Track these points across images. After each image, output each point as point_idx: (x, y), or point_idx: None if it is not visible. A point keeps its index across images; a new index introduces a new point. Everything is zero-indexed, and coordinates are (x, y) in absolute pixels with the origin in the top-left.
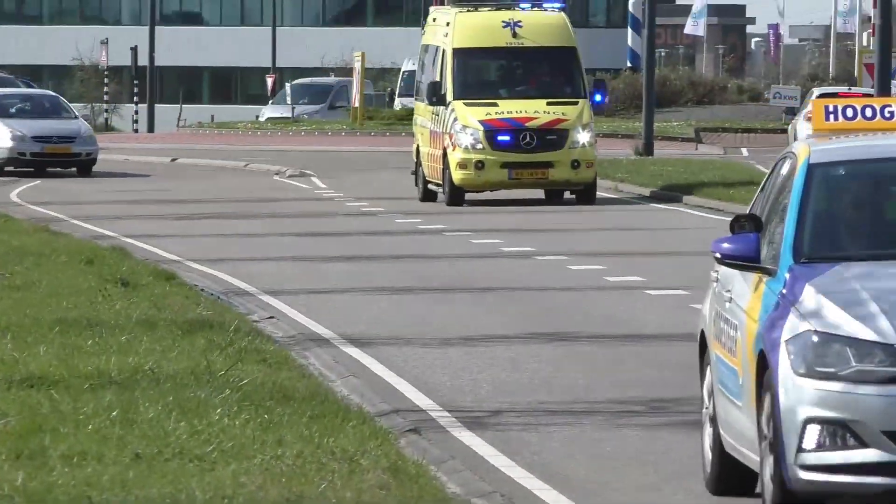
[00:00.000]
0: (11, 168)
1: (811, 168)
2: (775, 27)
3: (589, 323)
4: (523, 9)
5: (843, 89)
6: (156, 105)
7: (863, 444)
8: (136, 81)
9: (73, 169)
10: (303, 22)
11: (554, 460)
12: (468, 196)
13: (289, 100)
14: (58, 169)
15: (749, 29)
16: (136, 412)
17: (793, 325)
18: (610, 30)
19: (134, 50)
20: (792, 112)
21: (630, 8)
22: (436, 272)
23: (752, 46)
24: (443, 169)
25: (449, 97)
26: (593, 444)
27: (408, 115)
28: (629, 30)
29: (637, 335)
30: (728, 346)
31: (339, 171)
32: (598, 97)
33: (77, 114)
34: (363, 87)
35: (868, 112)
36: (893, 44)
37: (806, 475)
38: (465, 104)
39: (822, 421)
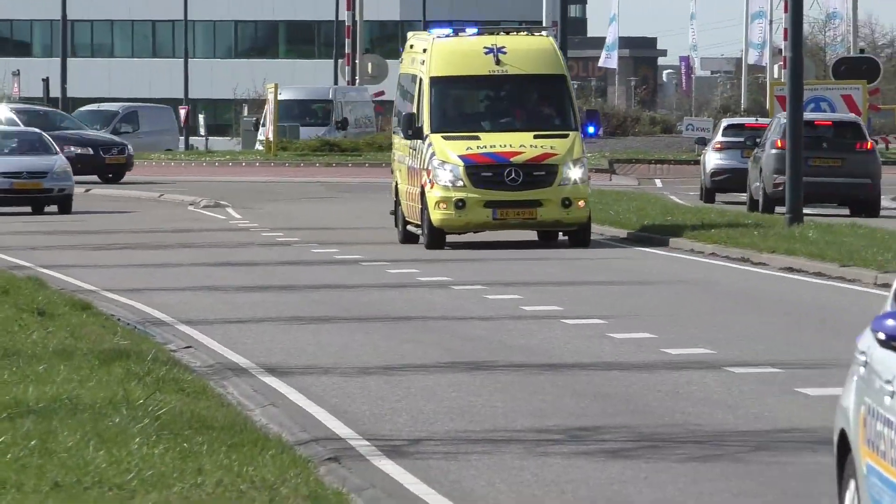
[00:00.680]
0: None
1: None
2: (686, 59)
3: (506, 352)
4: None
5: (750, 120)
6: None
7: None
8: None
9: (55, 206)
10: (215, 54)
11: (474, 488)
12: (449, 238)
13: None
14: (27, 207)
15: (661, 61)
16: (54, 441)
17: None
18: None
19: (46, 81)
20: (703, 142)
21: None
22: (352, 301)
23: (664, 78)
24: (421, 209)
25: (426, 130)
26: (513, 471)
27: (320, 146)
28: None
29: (554, 364)
30: (890, 455)
31: (254, 202)
32: (590, 129)
33: (57, 150)
34: (277, 118)
35: None
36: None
37: None
38: (444, 137)
39: None
